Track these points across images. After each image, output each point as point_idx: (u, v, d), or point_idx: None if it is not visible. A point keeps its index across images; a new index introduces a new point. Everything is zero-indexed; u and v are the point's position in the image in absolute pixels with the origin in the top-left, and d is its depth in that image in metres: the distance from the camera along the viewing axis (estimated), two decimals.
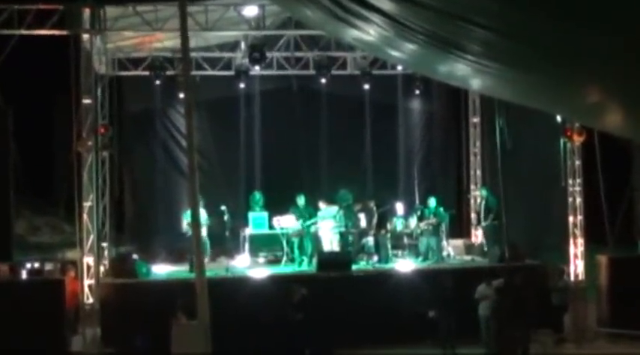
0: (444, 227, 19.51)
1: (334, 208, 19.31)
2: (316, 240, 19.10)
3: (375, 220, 19.47)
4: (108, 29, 17.51)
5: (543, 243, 19.44)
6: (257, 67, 19.31)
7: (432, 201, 19.58)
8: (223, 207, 18.28)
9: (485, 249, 19.80)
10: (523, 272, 16.69)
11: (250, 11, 17.84)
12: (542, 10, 5.34)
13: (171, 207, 21.31)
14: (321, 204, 19.46)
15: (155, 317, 15.39)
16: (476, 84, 10.55)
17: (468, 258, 20.30)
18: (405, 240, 19.78)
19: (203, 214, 17.96)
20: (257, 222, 19.86)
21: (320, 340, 15.61)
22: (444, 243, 19.67)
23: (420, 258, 19.26)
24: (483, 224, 19.93)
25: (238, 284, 17.00)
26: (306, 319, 15.60)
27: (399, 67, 20.61)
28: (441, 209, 19.53)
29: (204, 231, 17.88)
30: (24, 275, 16.72)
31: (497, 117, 17.17)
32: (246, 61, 19.32)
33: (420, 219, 19.60)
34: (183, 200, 20.79)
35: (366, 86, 21.07)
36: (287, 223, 19.05)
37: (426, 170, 22.94)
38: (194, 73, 19.20)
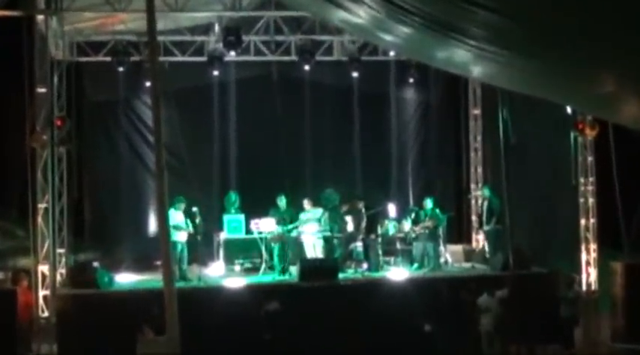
0: (441, 231, 19.52)
1: (319, 210, 19.30)
2: (298, 245, 19.07)
3: (364, 223, 19.44)
4: (65, 9, 17.41)
5: (551, 248, 19.49)
6: (232, 53, 19.26)
7: (429, 202, 19.58)
8: (195, 209, 18.20)
9: (488, 255, 19.84)
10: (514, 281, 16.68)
11: None
12: None
13: (136, 209, 21.25)
14: (306, 205, 19.45)
15: (119, 332, 15.34)
16: (477, 71, 10.58)
17: (467, 265, 20.32)
18: (398, 246, 19.77)
19: (181, 218, 17.95)
20: (233, 225, 19.82)
21: None
22: (442, 248, 19.68)
23: (415, 266, 19.25)
24: (485, 227, 19.96)
25: (212, 295, 16.96)
26: (277, 336, 15.62)
27: (392, 53, 20.61)
28: (438, 211, 19.53)
29: (184, 237, 17.89)
30: None
31: (501, 108, 17.16)
32: (220, 45, 19.27)
33: (415, 222, 19.60)
34: (150, 201, 20.78)
35: (355, 74, 21.05)
36: (266, 227, 18.97)
37: (422, 167, 22.98)
38: (162, 58, 19.11)
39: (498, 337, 15.80)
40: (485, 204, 20.03)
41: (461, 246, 21.40)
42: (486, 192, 20.32)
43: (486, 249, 20.14)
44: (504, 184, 17.12)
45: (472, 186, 22.73)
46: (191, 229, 17.91)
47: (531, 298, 16.33)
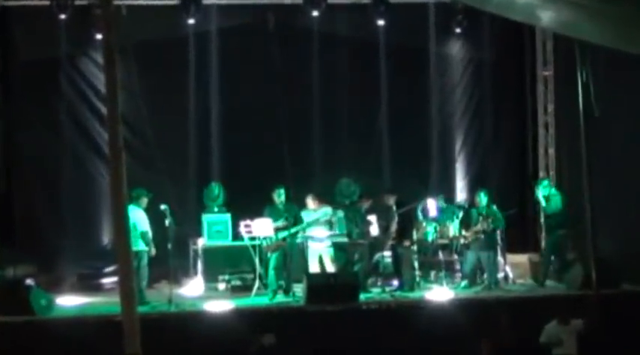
0: (499, 235, 19.56)
1: (326, 209, 19.25)
2: (304, 255, 19.11)
3: (394, 225, 19.50)
4: None
5: None
6: None
7: (482, 197, 19.61)
8: (164, 207, 18.25)
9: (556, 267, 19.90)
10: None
11: None
12: None
13: (84, 207, 21.25)
14: (310, 203, 19.44)
15: None
16: (547, 18, 10.61)
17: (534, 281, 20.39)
18: (441, 256, 19.84)
19: (142, 216, 18.05)
20: (215, 229, 19.90)
21: None
22: (500, 259, 19.73)
23: (464, 283, 19.33)
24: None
25: (187, 324, 17.05)
26: None
27: None
28: (495, 208, 19.57)
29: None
30: None
31: (580, 69, 17.20)
32: None
33: (464, 223, 19.65)
34: (102, 196, 20.77)
35: (381, 22, 21.08)
36: (260, 230, 19.00)
37: (473, 150, 22.97)
38: (118, 2, 19.17)
39: None
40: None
41: (526, 256, 21.38)
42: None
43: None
44: (585, 171, 17.12)
45: (541, 174, 22.65)
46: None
47: (621, 326, 16.38)
